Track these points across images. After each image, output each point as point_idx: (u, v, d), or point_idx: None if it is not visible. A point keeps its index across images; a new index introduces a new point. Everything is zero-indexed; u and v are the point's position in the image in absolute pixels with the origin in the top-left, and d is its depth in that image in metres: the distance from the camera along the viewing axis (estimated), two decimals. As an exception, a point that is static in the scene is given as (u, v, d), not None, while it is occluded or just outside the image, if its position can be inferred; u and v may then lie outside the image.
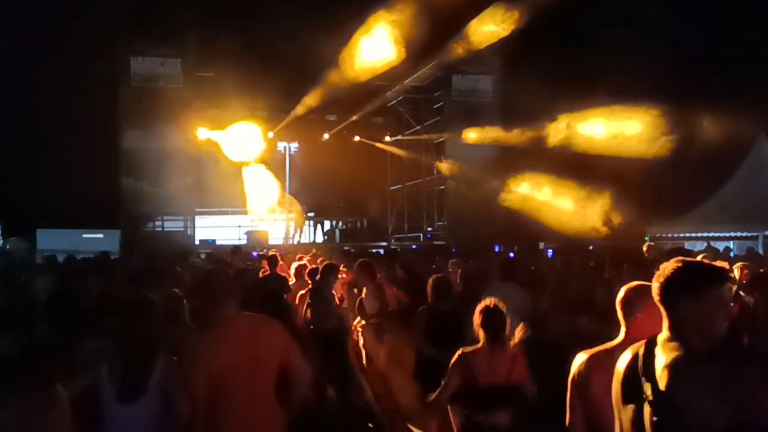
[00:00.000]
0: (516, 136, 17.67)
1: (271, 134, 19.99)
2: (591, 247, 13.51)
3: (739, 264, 6.15)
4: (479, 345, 3.98)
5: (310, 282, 6.81)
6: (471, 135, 19.41)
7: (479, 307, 4.05)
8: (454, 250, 12.97)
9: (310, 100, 17.96)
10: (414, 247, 17.55)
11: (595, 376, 2.68)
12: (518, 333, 4.47)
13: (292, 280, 7.85)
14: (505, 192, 16.21)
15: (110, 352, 3.11)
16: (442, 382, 3.97)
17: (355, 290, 7.03)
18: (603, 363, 2.66)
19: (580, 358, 2.79)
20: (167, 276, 6.30)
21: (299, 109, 18.68)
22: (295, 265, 8.21)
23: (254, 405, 3.17)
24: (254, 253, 13.24)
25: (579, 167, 14.64)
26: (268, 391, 3.27)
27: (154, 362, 3.04)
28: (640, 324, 2.68)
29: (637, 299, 2.74)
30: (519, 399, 3.88)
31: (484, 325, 3.97)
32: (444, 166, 20.28)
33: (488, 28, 15.07)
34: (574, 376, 2.78)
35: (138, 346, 3.04)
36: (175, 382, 3.07)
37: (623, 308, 2.77)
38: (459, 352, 3.98)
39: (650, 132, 12.77)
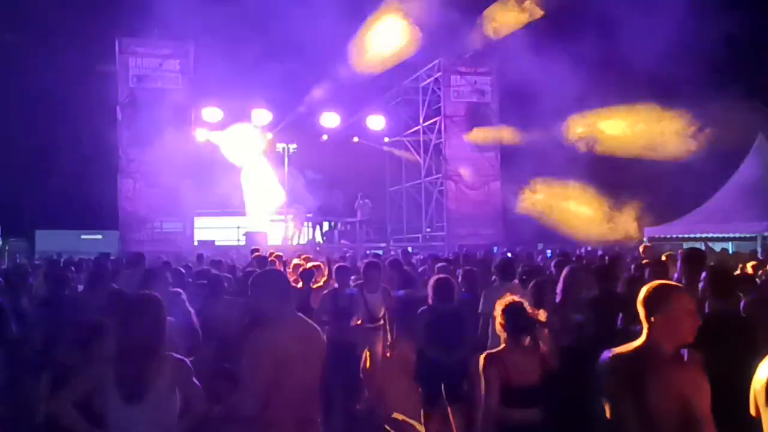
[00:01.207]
0: (515, 136, 17.70)
1: (270, 135, 19.96)
2: (589, 248, 13.52)
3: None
4: (503, 346, 3.76)
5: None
6: (470, 135, 19.42)
7: (500, 306, 3.85)
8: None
9: (310, 100, 17.96)
10: (410, 249, 17.49)
11: (618, 374, 2.69)
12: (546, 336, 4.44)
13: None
14: (526, 194, 16.14)
15: (114, 352, 3.12)
16: (483, 391, 3.64)
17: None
18: (626, 363, 2.69)
19: (605, 356, 2.78)
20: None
21: (298, 110, 18.67)
22: (309, 265, 8.17)
23: (299, 401, 3.32)
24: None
25: (579, 168, 14.68)
26: (312, 388, 3.43)
27: (161, 361, 3.05)
28: (659, 325, 2.64)
29: (657, 300, 2.67)
30: (549, 398, 3.71)
31: (505, 324, 3.77)
32: (443, 167, 20.27)
33: (502, 19, 15.02)
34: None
35: (142, 346, 3.04)
36: (187, 380, 3.10)
37: (644, 308, 2.69)
38: (484, 355, 3.72)
39: (656, 133, 12.79)
